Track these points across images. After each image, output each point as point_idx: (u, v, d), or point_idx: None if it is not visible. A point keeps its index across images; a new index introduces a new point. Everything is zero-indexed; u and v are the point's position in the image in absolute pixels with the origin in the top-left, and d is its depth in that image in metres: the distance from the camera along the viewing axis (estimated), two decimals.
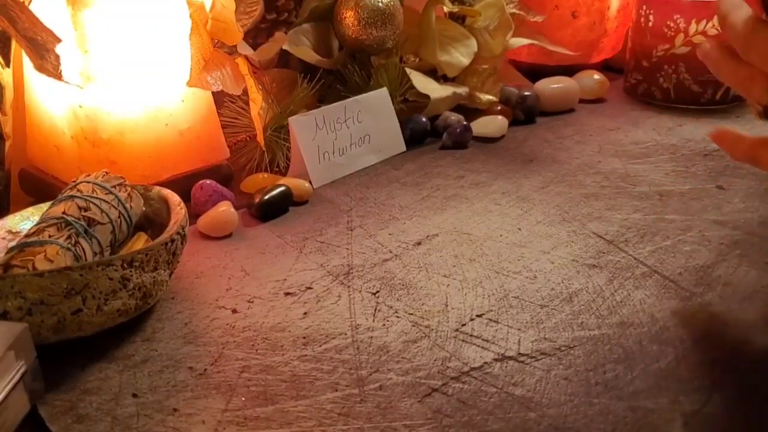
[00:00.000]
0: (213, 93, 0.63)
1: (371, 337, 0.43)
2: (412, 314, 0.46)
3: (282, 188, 0.60)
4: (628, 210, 0.59)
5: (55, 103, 0.57)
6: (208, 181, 0.60)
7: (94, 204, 0.46)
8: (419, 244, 0.55)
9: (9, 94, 0.58)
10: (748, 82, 0.38)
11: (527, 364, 0.41)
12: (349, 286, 0.49)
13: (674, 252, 0.52)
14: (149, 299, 0.44)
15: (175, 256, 0.46)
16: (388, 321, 0.45)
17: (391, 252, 0.53)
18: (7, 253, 0.42)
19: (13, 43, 0.58)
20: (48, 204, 0.48)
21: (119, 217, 0.48)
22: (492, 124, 0.76)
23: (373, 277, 0.50)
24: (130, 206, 0.49)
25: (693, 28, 0.79)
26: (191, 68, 0.58)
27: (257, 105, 0.63)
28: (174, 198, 0.51)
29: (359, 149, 0.69)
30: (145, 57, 0.57)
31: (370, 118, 0.69)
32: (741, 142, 0.41)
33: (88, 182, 0.48)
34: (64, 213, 0.45)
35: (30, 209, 0.51)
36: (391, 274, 0.50)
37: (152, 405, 0.38)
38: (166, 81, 0.59)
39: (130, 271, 0.42)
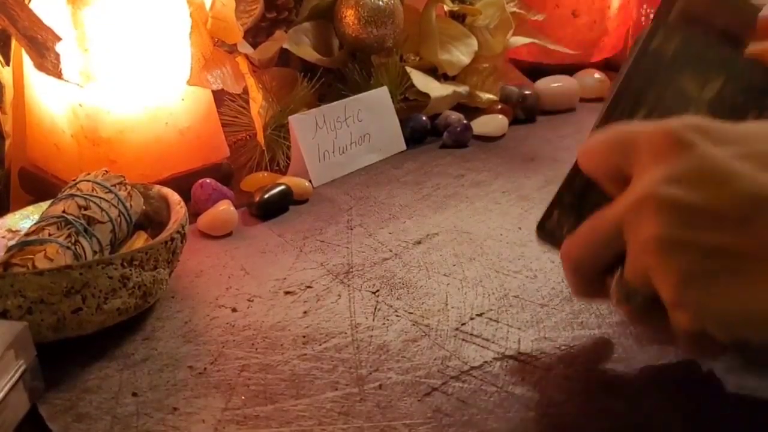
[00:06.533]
0: (213, 92, 0.63)
1: (371, 336, 0.43)
2: (412, 313, 0.46)
3: (282, 187, 0.60)
4: None
5: (55, 102, 0.56)
6: (208, 180, 0.60)
7: (94, 203, 0.46)
8: (419, 243, 0.55)
9: (9, 93, 0.58)
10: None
11: (527, 363, 0.41)
12: (349, 285, 0.49)
13: None
14: (149, 298, 0.44)
15: (175, 254, 0.46)
16: (388, 320, 0.45)
17: (391, 251, 0.53)
18: (7, 251, 0.42)
19: (13, 42, 0.58)
20: (48, 203, 0.48)
21: (119, 215, 0.48)
22: (492, 123, 0.76)
23: (373, 276, 0.50)
24: (130, 205, 0.49)
25: None
26: (191, 67, 0.58)
27: (257, 104, 0.63)
28: (174, 197, 0.51)
29: (359, 148, 0.69)
30: (145, 56, 0.57)
31: (370, 117, 0.69)
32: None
33: (88, 181, 0.48)
34: (63, 212, 0.45)
35: (30, 208, 0.51)
36: (391, 273, 0.50)
37: (152, 404, 0.38)
38: (166, 80, 0.59)
39: (130, 270, 0.42)
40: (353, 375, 0.40)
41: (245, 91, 0.64)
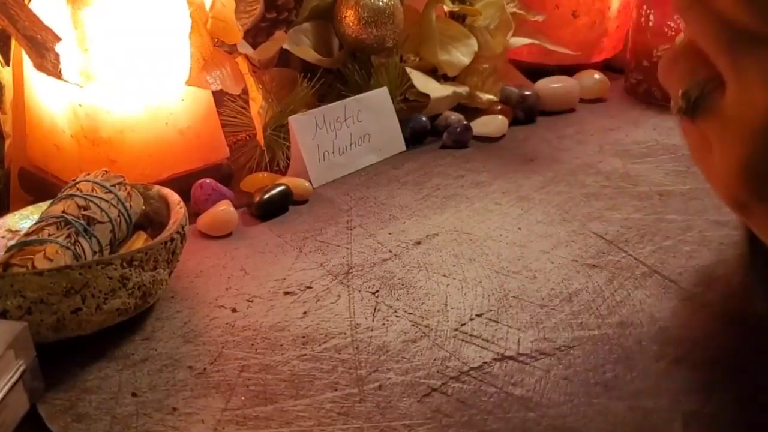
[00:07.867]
0: (213, 92, 0.63)
1: (371, 336, 0.43)
2: (411, 314, 0.46)
3: (282, 187, 0.60)
4: (628, 210, 0.59)
5: (54, 102, 0.57)
6: (207, 180, 0.60)
7: (94, 203, 0.46)
8: (419, 243, 0.55)
9: (9, 93, 0.58)
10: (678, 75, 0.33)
11: (527, 364, 0.41)
12: (348, 286, 0.49)
13: (674, 252, 0.52)
14: (149, 298, 0.44)
15: (175, 255, 0.46)
16: (387, 320, 0.45)
17: (390, 251, 0.53)
18: (6, 251, 0.42)
19: (13, 42, 0.58)
20: (47, 203, 0.48)
21: (119, 216, 0.48)
22: (492, 124, 0.76)
23: (373, 276, 0.50)
24: (130, 205, 0.49)
25: None
26: (190, 67, 0.58)
27: (257, 104, 0.63)
28: (174, 197, 0.51)
29: (359, 148, 0.69)
30: (145, 56, 0.57)
31: (370, 118, 0.69)
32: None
33: (88, 181, 0.48)
34: (63, 212, 0.45)
35: (29, 208, 0.51)
36: (390, 274, 0.50)
37: (152, 404, 0.38)
38: (166, 80, 0.59)
39: (130, 270, 0.42)
40: (353, 375, 0.40)
41: (245, 91, 0.64)
